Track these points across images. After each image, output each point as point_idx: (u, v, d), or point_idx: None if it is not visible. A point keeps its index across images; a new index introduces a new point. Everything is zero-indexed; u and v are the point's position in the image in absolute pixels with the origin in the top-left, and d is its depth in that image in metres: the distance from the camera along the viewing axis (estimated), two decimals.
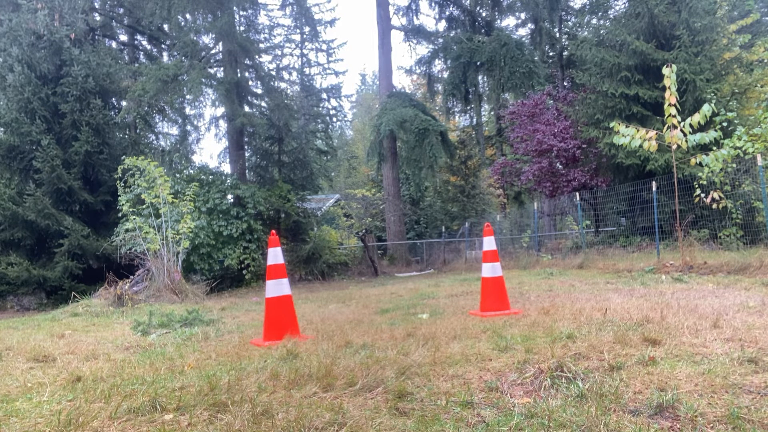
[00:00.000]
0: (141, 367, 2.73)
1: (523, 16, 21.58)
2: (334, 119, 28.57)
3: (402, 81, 53.44)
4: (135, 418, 1.87)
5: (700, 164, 7.85)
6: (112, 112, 13.74)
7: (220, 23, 13.10)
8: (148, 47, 19.36)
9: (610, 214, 12.96)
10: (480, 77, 20.29)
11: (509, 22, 22.28)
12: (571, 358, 2.31)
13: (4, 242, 11.50)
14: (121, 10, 17.55)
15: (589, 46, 12.42)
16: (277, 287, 3.58)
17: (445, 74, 20.84)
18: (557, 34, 20.24)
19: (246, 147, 16.16)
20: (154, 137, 19.72)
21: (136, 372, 2.62)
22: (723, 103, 10.11)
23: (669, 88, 6.70)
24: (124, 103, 13.94)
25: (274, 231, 3.93)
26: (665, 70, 6.75)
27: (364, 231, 16.28)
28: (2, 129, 12.36)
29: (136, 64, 17.25)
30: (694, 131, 6.85)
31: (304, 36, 26.33)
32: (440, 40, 20.14)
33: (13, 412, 2.04)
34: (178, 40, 13.90)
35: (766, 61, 12.45)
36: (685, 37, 10.88)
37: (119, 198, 8.55)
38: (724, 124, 8.60)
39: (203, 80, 14.24)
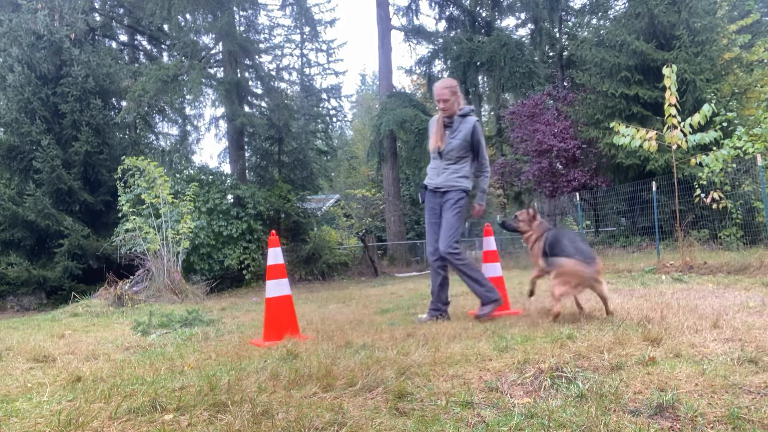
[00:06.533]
0: (141, 367, 2.73)
1: (523, 16, 21.53)
2: (334, 119, 28.61)
3: (402, 81, 53.30)
4: (135, 418, 1.87)
5: (700, 164, 7.85)
6: (112, 112, 13.73)
7: (220, 23, 13.10)
8: (148, 47, 19.35)
9: (610, 215, 12.97)
10: (480, 77, 20.24)
11: (509, 22, 22.23)
12: (571, 358, 2.31)
13: (4, 242, 11.50)
14: (121, 10, 17.54)
15: (589, 46, 12.43)
16: (277, 287, 3.57)
17: (445, 74, 20.79)
18: (557, 34, 20.21)
19: (246, 147, 16.16)
20: (154, 137, 19.70)
21: (136, 372, 2.62)
22: (723, 103, 10.10)
23: (669, 88, 6.69)
24: (124, 103, 13.93)
25: (274, 231, 3.92)
26: (665, 70, 6.75)
27: (364, 231, 16.28)
28: (2, 129, 12.36)
29: (136, 64, 17.24)
30: (694, 131, 6.84)
31: (304, 36, 26.35)
32: (440, 40, 20.12)
33: (13, 412, 2.04)
34: (178, 40, 13.90)
35: (766, 61, 12.45)
36: (685, 37, 10.87)
37: (119, 198, 8.55)
38: (724, 124, 8.60)
39: (203, 80, 14.25)
